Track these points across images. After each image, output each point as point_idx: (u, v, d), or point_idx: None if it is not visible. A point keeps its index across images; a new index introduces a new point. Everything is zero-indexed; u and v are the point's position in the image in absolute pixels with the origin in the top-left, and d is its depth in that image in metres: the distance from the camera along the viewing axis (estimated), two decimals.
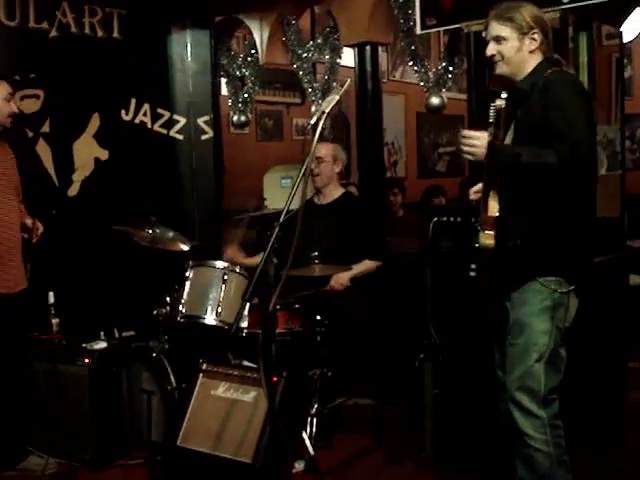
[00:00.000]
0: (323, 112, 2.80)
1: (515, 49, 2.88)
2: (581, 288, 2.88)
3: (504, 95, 2.72)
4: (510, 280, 2.88)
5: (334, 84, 5.59)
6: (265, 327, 2.94)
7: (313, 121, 2.81)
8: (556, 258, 2.82)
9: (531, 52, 2.89)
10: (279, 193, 6.14)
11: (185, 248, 4.37)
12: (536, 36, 2.87)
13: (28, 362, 4.04)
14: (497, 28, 2.90)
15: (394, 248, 5.00)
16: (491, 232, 2.82)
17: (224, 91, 6.74)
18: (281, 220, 2.80)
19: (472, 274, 2.91)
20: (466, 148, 2.78)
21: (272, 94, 8.20)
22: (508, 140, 2.89)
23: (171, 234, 4.43)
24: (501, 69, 2.94)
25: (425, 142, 8.89)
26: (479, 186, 3.00)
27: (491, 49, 2.93)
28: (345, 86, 2.95)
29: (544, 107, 2.75)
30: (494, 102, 2.72)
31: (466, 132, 2.82)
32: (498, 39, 2.90)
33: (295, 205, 2.83)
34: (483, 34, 2.99)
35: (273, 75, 7.36)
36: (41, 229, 3.95)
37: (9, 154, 3.93)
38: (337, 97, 2.85)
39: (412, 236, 5.02)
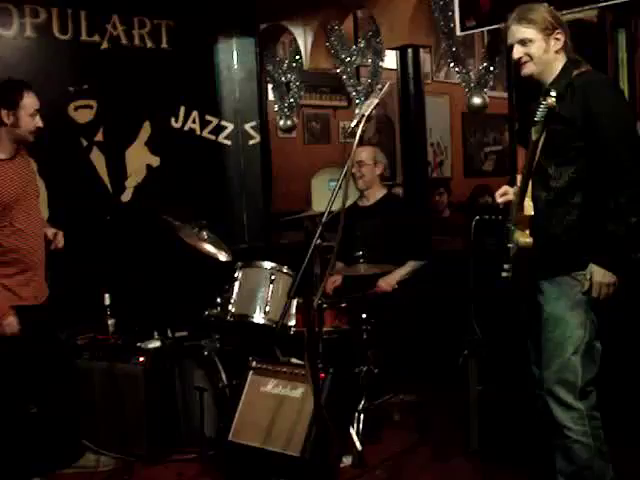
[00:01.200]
0: (363, 115, 2.89)
1: (542, 49, 2.92)
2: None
3: (553, 93, 2.79)
4: (543, 275, 2.94)
5: (377, 87, 5.68)
6: (309, 324, 3.03)
7: (353, 124, 2.88)
8: (588, 252, 2.87)
9: (557, 52, 2.93)
10: (327, 196, 6.22)
11: (224, 259, 4.42)
12: (559, 36, 2.91)
13: (71, 363, 4.14)
14: (521, 31, 2.93)
15: (440, 247, 5.07)
16: (527, 231, 2.88)
17: (271, 96, 6.88)
18: (323, 220, 2.88)
19: (504, 274, 2.97)
20: None
21: (319, 98, 8.28)
22: (541, 138, 2.94)
23: (214, 239, 4.48)
24: (529, 69, 2.96)
25: (471, 142, 8.90)
26: (505, 188, 3.06)
27: (518, 52, 2.96)
28: (384, 89, 3.03)
29: (585, 106, 2.81)
30: (545, 100, 2.78)
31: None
32: (524, 42, 2.93)
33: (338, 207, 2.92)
34: (509, 40, 3.03)
35: (319, 79, 7.46)
36: (61, 242, 3.91)
37: (30, 165, 3.93)
38: (376, 100, 2.93)
39: (458, 235, 5.08)
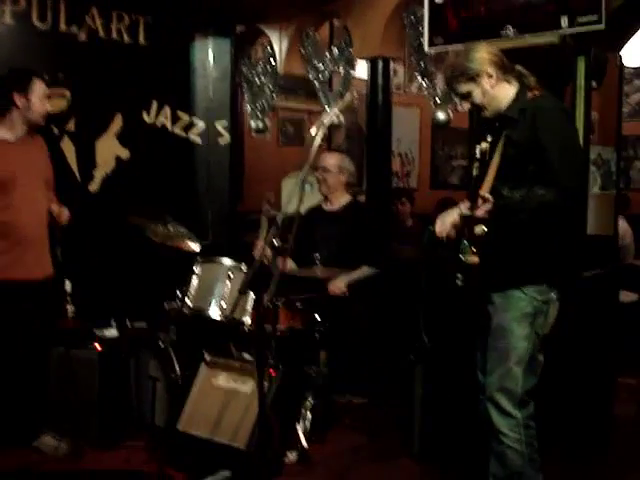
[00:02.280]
0: (323, 123, 3.02)
1: (481, 94, 3.09)
2: (562, 298, 3.09)
3: (489, 139, 3.02)
4: (493, 287, 3.09)
5: (347, 95, 5.80)
6: (259, 321, 3.15)
7: (313, 132, 3.01)
8: (537, 269, 3.03)
9: (495, 87, 3.08)
10: (304, 197, 6.35)
11: (196, 248, 4.56)
12: (489, 71, 3.06)
13: (47, 348, 4.21)
14: (457, 88, 3.14)
15: (399, 255, 5.21)
16: (476, 250, 3.03)
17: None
18: (278, 221, 3.00)
19: (459, 283, 3.11)
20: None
21: (294, 100, 8.40)
22: (496, 157, 3.09)
23: (183, 232, 4.64)
24: (485, 114, 3.16)
25: (439, 154, 9.06)
26: (453, 217, 3.19)
27: (467, 105, 3.24)
28: (344, 100, 3.17)
29: (535, 131, 2.96)
30: (480, 144, 2.99)
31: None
32: (464, 96, 3.15)
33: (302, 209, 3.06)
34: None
35: (296, 82, 7.57)
36: (65, 216, 4.09)
37: (41, 147, 4.13)
38: (336, 110, 3.06)
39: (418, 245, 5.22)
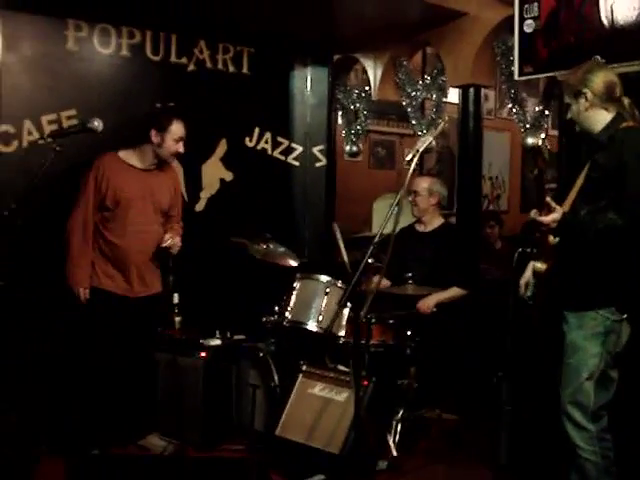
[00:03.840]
0: (417, 150, 3.25)
1: (576, 111, 3.30)
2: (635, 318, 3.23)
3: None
4: (569, 307, 3.26)
5: (439, 121, 6.03)
6: (356, 334, 3.39)
7: (408, 158, 3.24)
8: (608, 293, 3.18)
9: (589, 109, 3.26)
10: (399, 219, 6.55)
11: (294, 264, 4.84)
12: (587, 95, 3.24)
13: (150, 355, 4.56)
14: (564, 96, 3.39)
15: (485, 276, 5.38)
16: (545, 258, 3.22)
17: (340, 122, 7.25)
18: (375, 241, 3.24)
19: (528, 294, 3.31)
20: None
21: (386, 124, 8.60)
22: (581, 179, 3.26)
23: (282, 250, 4.93)
24: (577, 128, 3.37)
25: (529, 177, 9.13)
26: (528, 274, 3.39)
27: (568, 115, 3.39)
28: (438, 129, 3.40)
29: (621, 157, 3.12)
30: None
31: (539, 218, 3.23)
32: (567, 105, 3.35)
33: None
34: None
35: (388, 107, 7.76)
36: (177, 246, 4.42)
37: (169, 178, 4.52)
38: (430, 138, 3.29)
39: (507, 266, 5.37)
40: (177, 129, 4.32)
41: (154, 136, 4.26)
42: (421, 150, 3.25)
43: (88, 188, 4.23)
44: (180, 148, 4.37)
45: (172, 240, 4.38)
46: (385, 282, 4.80)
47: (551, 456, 3.91)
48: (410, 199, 4.98)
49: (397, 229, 3.32)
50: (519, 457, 4.15)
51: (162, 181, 4.46)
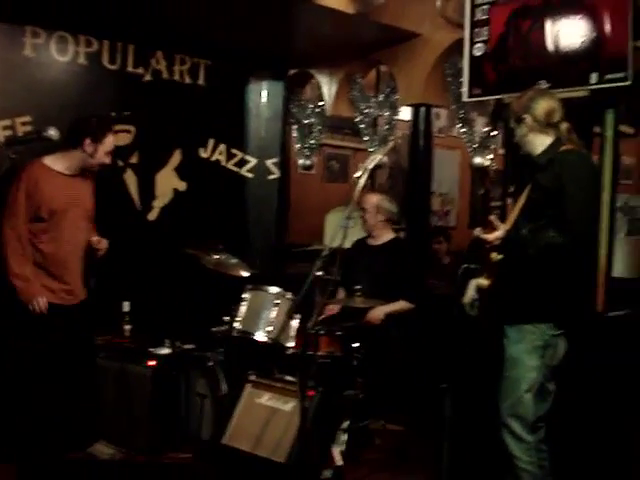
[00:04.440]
0: (366, 168, 3.36)
1: (519, 135, 3.47)
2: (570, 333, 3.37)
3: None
4: (508, 321, 3.39)
5: (391, 137, 6.16)
6: (303, 345, 3.46)
7: (357, 175, 3.34)
8: (546, 308, 3.32)
9: (530, 134, 3.42)
10: (348, 233, 6.64)
11: (245, 275, 4.91)
12: (528, 121, 3.40)
13: (94, 362, 4.53)
14: (508, 121, 3.55)
15: (432, 290, 5.50)
16: (488, 274, 3.35)
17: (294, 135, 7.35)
18: (323, 254, 3.32)
19: (472, 314, 3.44)
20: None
21: (340, 139, 8.69)
22: (523, 198, 3.41)
23: (234, 261, 4.99)
24: (520, 152, 3.53)
25: (478, 194, 9.31)
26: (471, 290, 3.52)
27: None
28: (387, 147, 3.51)
29: (560, 178, 3.26)
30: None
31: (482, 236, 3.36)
32: (511, 129, 3.51)
33: (346, 244, 3.40)
34: None
35: (342, 122, 7.88)
36: (104, 246, 4.34)
37: (89, 184, 4.40)
38: (379, 156, 3.40)
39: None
40: (110, 142, 4.25)
41: (87, 145, 4.16)
42: (370, 168, 3.35)
43: (19, 200, 4.09)
44: (108, 160, 4.28)
45: (100, 239, 4.34)
46: (341, 294, 4.90)
47: (492, 466, 4.02)
48: (360, 215, 5.08)
49: (347, 242, 3.40)
50: (461, 468, 4.26)
51: (86, 187, 4.38)
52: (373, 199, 5.12)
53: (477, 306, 3.44)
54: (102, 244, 4.34)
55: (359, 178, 3.32)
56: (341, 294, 5.02)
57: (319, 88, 6.93)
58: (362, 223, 5.12)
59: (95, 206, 4.48)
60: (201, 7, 5.05)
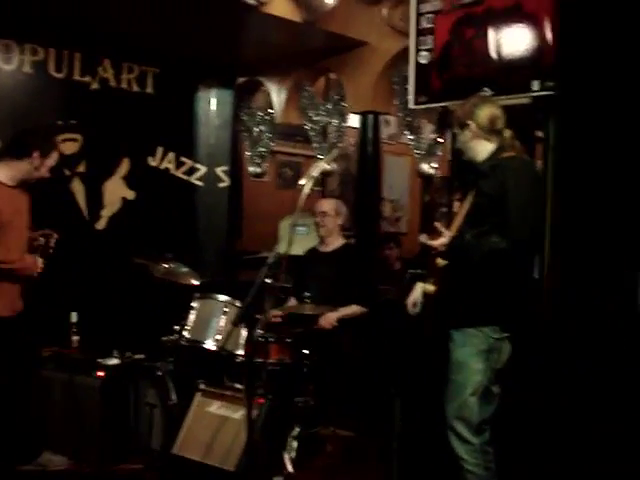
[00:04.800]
0: (311, 176, 3.39)
1: (462, 141, 3.52)
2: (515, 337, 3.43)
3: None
4: (454, 325, 3.43)
5: (340, 145, 6.21)
6: (249, 353, 3.48)
7: (303, 182, 3.37)
8: (490, 311, 3.36)
9: (473, 140, 3.47)
10: (293, 239, 6.67)
11: (195, 283, 4.90)
12: (472, 127, 3.45)
13: (38, 373, 4.51)
14: (453, 126, 3.60)
15: (382, 295, 5.55)
16: (434, 280, 3.40)
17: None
18: (269, 262, 3.34)
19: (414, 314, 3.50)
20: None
21: (292, 146, 8.73)
22: (467, 204, 3.46)
23: (184, 269, 4.98)
24: (464, 157, 3.58)
25: (428, 201, 9.39)
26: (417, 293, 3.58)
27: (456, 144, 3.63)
28: (332, 154, 3.54)
29: (502, 185, 3.32)
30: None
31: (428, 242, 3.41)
32: (454, 135, 3.58)
33: (297, 251, 3.42)
34: None
35: (294, 128, 7.92)
36: (54, 237, 4.23)
37: (27, 198, 4.25)
38: (324, 164, 3.44)
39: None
40: (56, 157, 4.15)
41: (35, 158, 4.04)
42: (314, 175, 3.38)
43: None
44: (48, 174, 4.17)
45: (51, 235, 4.26)
46: (293, 302, 4.93)
47: (441, 470, 4.06)
48: (318, 220, 5.10)
49: (295, 249, 3.42)
50: (412, 472, 4.30)
51: (26, 198, 4.26)
52: (332, 202, 5.16)
53: (420, 307, 3.48)
54: (51, 238, 4.24)
55: (304, 186, 3.34)
56: (292, 302, 5.04)
57: (269, 96, 6.95)
58: (319, 228, 5.14)
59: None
60: (148, 15, 5.05)
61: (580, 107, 4.31)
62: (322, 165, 3.40)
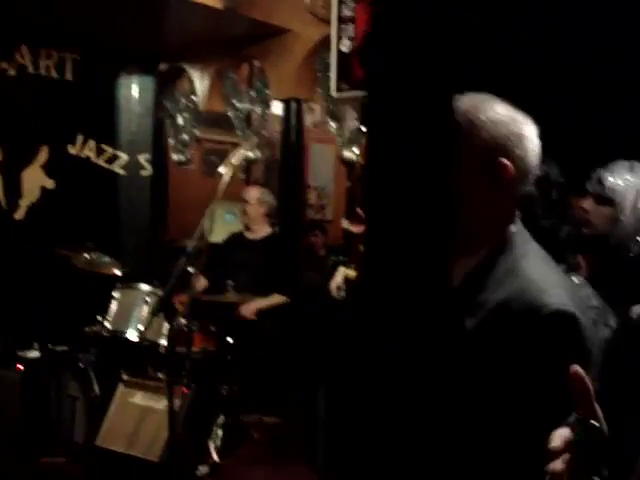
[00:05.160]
0: (231, 163, 3.38)
1: None
2: None
3: None
4: None
5: (263, 132, 6.20)
6: (170, 342, 3.46)
7: (222, 170, 3.36)
8: None
9: None
10: (221, 227, 6.65)
11: (118, 273, 4.85)
12: None
13: None
14: None
15: (307, 283, 5.57)
16: (355, 268, 3.44)
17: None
18: (188, 250, 3.32)
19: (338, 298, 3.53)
20: None
21: (218, 133, 8.67)
22: None
23: (106, 259, 4.91)
24: None
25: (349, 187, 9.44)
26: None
27: None
28: (253, 141, 3.54)
29: None
30: None
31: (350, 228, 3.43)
32: None
33: (219, 238, 3.40)
34: None
35: (219, 116, 7.88)
36: None
37: None
38: (243, 151, 3.43)
39: None
40: None
41: None
42: (235, 163, 3.37)
43: None
44: None
45: None
46: (203, 282, 4.91)
47: (365, 454, 4.11)
48: (242, 208, 5.10)
49: (215, 237, 3.41)
50: (334, 459, 4.34)
51: None
52: (256, 192, 5.17)
53: (343, 291, 3.52)
54: None
55: (224, 173, 3.33)
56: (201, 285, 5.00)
57: (192, 83, 6.88)
58: (243, 216, 5.14)
59: None
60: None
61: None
62: (242, 152, 3.40)
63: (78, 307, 5.08)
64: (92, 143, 5.97)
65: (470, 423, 1.39)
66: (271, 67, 6.19)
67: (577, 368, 0.99)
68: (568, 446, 0.99)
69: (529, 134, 1.56)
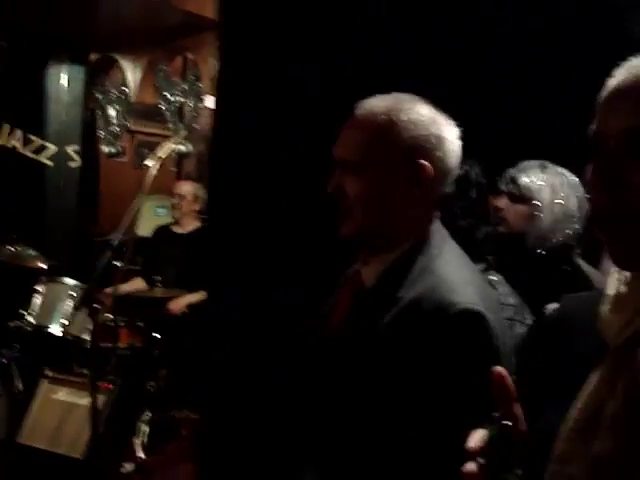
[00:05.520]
0: (158, 157, 3.32)
1: None
2: None
3: None
4: None
5: (196, 125, 6.13)
6: (94, 337, 3.41)
7: (149, 163, 3.30)
8: None
9: None
10: (153, 221, 6.56)
11: (43, 266, 4.75)
12: None
13: None
14: None
15: None
16: None
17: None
18: (113, 245, 3.27)
19: None
20: None
21: (151, 126, 8.57)
22: None
23: (31, 252, 4.81)
24: None
25: None
26: None
27: None
28: (180, 136, 3.49)
29: None
30: None
31: None
32: None
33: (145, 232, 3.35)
34: None
35: (152, 108, 7.78)
36: None
37: None
38: (171, 145, 3.38)
39: None
40: None
41: None
42: (163, 156, 3.32)
43: None
44: None
45: None
46: (141, 284, 4.85)
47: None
48: (174, 202, 5.05)
49: (141, 231, 3.36)
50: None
51: None
52: (190, 186, 5.13)
53: None
54: None
55: (151, 166, 3.28)
56: (139, 283, 4.96)
57: (123, 74, 6.77)
58: (175, 210, 5.10)
59: None
60: None
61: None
62: (170, 146, 3.34)
63: (1, 301, 4.96)
64: (19, 133, 5.84)
65: (380, 417, 1.40)
66: (203, 61, 6.13)
67: (499, 368, 0.98)
68: (483, 446, 0.99)
69: (449, 136, 1.58)
